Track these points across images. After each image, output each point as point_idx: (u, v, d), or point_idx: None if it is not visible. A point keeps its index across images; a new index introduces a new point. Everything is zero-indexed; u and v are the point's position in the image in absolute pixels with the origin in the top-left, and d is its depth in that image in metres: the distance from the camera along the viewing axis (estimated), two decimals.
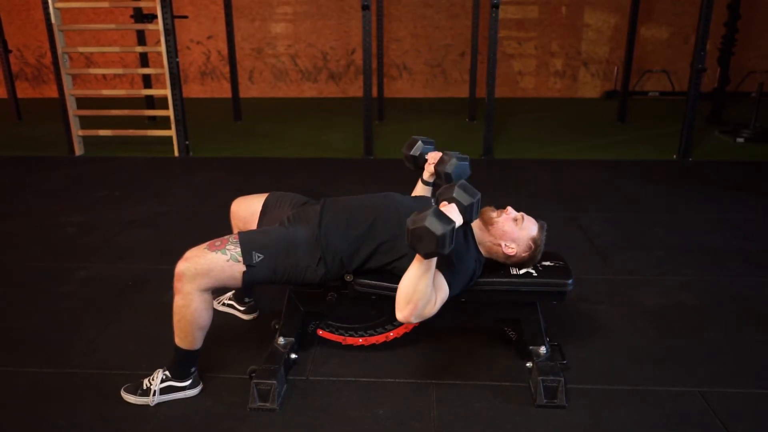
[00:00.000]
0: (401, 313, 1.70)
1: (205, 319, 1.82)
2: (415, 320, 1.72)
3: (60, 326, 2.35)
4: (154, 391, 1.87)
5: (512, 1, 7.27)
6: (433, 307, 1.72)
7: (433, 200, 2.20)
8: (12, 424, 1.81)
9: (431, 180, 2.22)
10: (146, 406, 1.87)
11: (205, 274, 1.77)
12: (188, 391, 1.91)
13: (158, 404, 1.87)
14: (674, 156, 4.79)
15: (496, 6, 4.45)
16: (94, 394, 1.94)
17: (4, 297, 2.60)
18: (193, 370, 1.91)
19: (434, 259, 1.66)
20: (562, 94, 7.64)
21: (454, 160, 2.00)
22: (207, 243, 1.83)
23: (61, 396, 1.94)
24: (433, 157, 2.16)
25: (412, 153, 2.21)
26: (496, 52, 4.62)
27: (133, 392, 1.89)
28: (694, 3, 6.90)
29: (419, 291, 1.67)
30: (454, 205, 1.68)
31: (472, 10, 6.14)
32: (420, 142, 2.21)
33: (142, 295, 2.60)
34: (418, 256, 1.65)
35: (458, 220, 1.66)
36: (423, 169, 2.24)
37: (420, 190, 2.27)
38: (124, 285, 2.69)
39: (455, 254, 1.83)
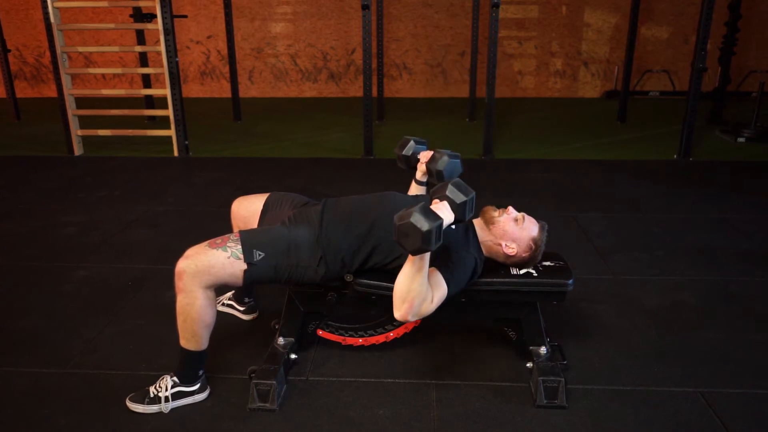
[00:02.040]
0: (398, 312, 1.70)
1: (210, 316, 1.82)
2: (412, 318, 1.72)
3: (60, 326, 2.35)
4: (166, 397, 1.85)
5: (512, 1, 7.27)
6: (430, 305, 1.72)
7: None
8: (12, 424, 1.81)
9: (424, 179, 2.22)
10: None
11: (206, 272, 1.76)
12: (197, 395, 1.90)
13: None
14: (674, 156, 4.79)
15: (496, 6, 4.44)
16: (94, 394, 1.94)
17: (4, 297, 2.59)
18: (200, 373, 1.91)
19: (426, 257, 1.66)
20: (562, 94, 7.64)
21: (445, 158, 2.00)
22: (208, 241, 1.83)
23: (61, 396, 1.93)
24: (425, 156, 2.15)
25: (404, 153, 2.21)
26: (496, 52, 4.62)
27: (140, 401, 1.85)
28: (694, 3, 6.91)
29: (414, 290, 1.67)
30: (445, 203, 1.69)
31: (472, 10, 6.14)
32: (412, 142, 2.21)
33: (142, 295, 2.60)
34: (410, 255, 1.65)
35: (448, 217, 1.65)
36: (416, 168, 2.23)
37: (414, 189, 2.27)
38: (123, 285, 2.69)
39: (454, 253, 1.83)
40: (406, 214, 1.57)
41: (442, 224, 1.59)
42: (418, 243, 1.55)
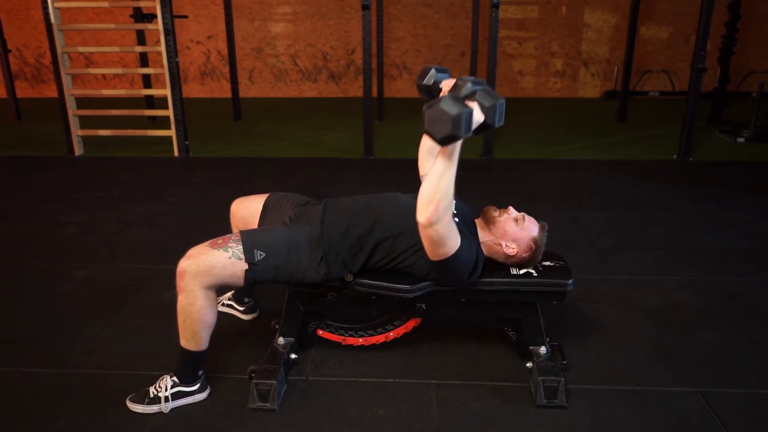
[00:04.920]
0: (423, 215, 1.67)
1: (210, 316, 1.82)
2: (435, 225, 1.68)
3: (60, 326, 2.35)
4: (166, 397, 1.85)
5: (512, 1, 7.27)
6: (450, 222, 1.70)
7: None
8: (12, 424, 1.81)
9: None
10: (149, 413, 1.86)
11: (207, 272, 1.77)
12: (197, 395, 1.90)
13: None
14: (674, 156, 4.79)
15: (496, 6, 4.44)
16: (94, 394, 1.94)
17: (3, 297, 2.59)
18: (200, 373, 1.91)
19: (455, 154, 1.63)
20: (562, 94, 7.64)
21: (469, 84, 1.80)
22: (209, 241, 1.84)
23: (61, 396, 1.93)
24: (447, 84, 1.99)
25: (425, 82, 2.02)
26: (496, 52, 4.62)
27: (141, 401, 1.86)
28: (694, 3, 6.90)
29: (441, 190, 1.64)
30: (474, 103, 1.63)
31: (472, 10, 6.14)
32: (433, 70, 2.03)
33: (142, 295, 2.60)
34: (440, 153, 1.63)
35: (477, 116, 1.60)
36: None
37: None
38: (123, 285, 2.69)
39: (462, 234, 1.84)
40: (435, 101, 1.54)
41: (472, 113, 1.55)
42: (448, 129, 1.51)
